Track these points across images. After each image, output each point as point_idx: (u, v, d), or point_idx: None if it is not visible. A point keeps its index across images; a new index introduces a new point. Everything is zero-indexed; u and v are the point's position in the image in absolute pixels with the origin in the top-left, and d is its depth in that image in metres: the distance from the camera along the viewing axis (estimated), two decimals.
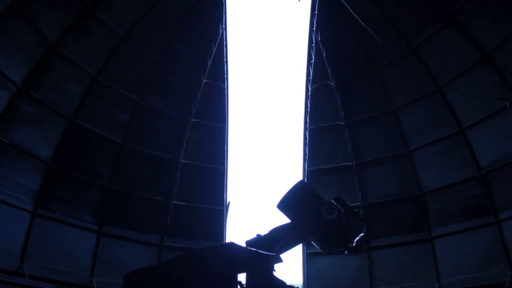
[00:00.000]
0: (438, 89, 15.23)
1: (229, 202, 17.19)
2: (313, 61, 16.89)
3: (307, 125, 17.33)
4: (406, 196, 15.98)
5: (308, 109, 17.31)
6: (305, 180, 16.98)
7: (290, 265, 16.44)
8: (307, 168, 17.25)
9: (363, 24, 15.09)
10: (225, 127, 17.30)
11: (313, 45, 16.65)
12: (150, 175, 16.26)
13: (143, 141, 16.09)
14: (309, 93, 17.21)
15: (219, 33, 16.25)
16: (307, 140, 17.35)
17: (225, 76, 17.03)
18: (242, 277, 5.29)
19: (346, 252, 6.14)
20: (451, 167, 15.25)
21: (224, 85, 17.10)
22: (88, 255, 14.25)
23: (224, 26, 16.30)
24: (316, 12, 16.06)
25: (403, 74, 15.98)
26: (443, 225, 15.15)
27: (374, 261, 15.92)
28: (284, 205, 6.30)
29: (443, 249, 15.09)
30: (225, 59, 16.85)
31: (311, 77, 17.10)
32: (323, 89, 17.11)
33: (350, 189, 16.65)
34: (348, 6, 15.19)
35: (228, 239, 16.75)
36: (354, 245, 6.12)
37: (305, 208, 6.21)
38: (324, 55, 16.63)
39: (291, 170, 29.45)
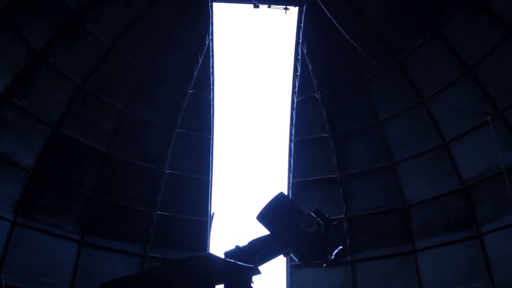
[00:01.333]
0: (422, 102, 15.38)
1: (213, 213, 17.14)
2: (299, 73, 16.96)
3: (292, 136, 17.36)
4: (390, 209, 16.03)
5: (294, 121, 17.35)
6: (290, 193, 17.04)
7: (274, 277, 16.38)
8: (292, 179, 17.24)
9: (348, 37, 15.20)
10: (210, 138, 17.27)
11: (299, 57, 16.74)
12: (134, 185, 16.15)
13: (128, 151, 15.99)
14: (295, 104, 17.25)
15: (206, 44, 16.27)
16: (292, 151, 17.36)
17: (211, 86, 17.02)
18: None
19: (324, 265, 6.13)
20: (435, 180, 15.37)
21: (210, 95, 17.09)
22: (69, 265, 14.08)
23: (210, 37, 16.32)
24: (302, 24, 16.15)
25: (389, 87, 16.11)
26: (427, 238, 15.23)
27: (358, 273, 15.88)
28: (264, 217, 6.29)
29: (426, 262, 15.15)
30: (211, 70, 16.84)
31: (296, 89, 17.15)
32: (308, 101, 17.16)
33: (335, 201, 16.68)
34: (333, 19, 15.30)
35: (212, 250, 16.68)
36: (332, 258, 6.11)
37: (284, 220, 6.19)
38: (310, 67, 16.70)
39: (276, 182, 29.42)
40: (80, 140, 15.00)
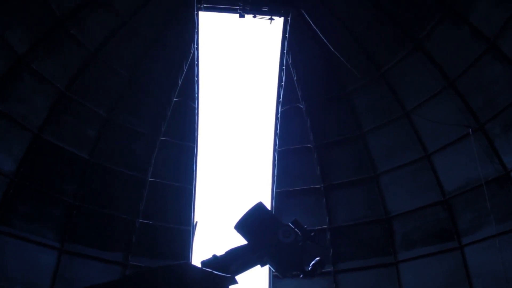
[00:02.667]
0: (405, 114, 15.51)
1: (196, 222, 17.02)
2: (283, 83, 17.01)
3: (276, 146, 17.36)
4: (373, 220, 16.10)
5: (278, 131, 17.37)
6: (273, 202, 17.04)
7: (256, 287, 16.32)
8: (276, 189, 17.22)
9: (332, 49, 15.32)
10: (194, 146, 17.18)
11: (284, 67, 16.79)
12: (117, 192, 16.01)
13: (110, 158, 15.85)
14: (279, 114, 17.30)
15: (191, 53, 16.25)
16: (276, 161, 17.36)
17: (196, 95, 16.97)
18: None
19: (301, 276, 6.10)
20: (417, 191, 15.47)
21: (195, 104, 17.02)
22: (48, 273, 13.87)
23: (196, 46, 16.31)
24: (287, 35, 16.22)
25: (372, 98, 16.23)
26: (408, 249, 15.31)
27: (340, 284, 15.90)
28: (241, 227, 6.25)
29: (407, 273, 15.22)
30: (196, 79, 16.80)
31: (281, 99, 17.20)
32: (293, 111, 17.20)
33: (318, 212, 16.69)
34: (317, 30, 15.42)
35: (194, 259, 16.58)
36: (309, 269, 6.10)
37: (262, 230, 6.16)
38: (295, 77, 16.76)
39: (259, 191, 29.41)
40: (62, 147, 14.84)
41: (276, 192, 17.22)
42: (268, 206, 16.65)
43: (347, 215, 16.46)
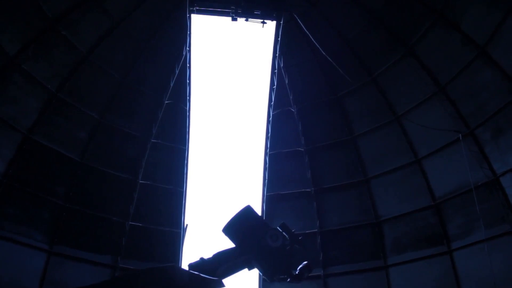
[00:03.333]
0: (396, 119, 15.58)
1: (187, 225, 16.98)
2: (275, 86, 17.03)
3: (268, 150, 17.37)
4: (363, 224, 16.14)
5: (269, 134, 17.38)
6: (264, 206, 17.04)
7: None
8: (266, 193, 17.23)
9: (324, 53, 15.37)
10: (185, 149, 17.16)
11: (276, 70, 16.81)
12: (107, 194, 15.95)
13: (101, 160, 15.81)
14: (271, 118, 17.31)
15: (183, 55, 16.24)
16: (267, 165, 17.37)
17: (187, 98, 16.96)
18: None
19: (288, 279, 6.10)
20: (407, 196, 15.54)
21: (186, 107, 17.01)
22: (36, 275, 13.79)
23: (188, 49, 16.31)
24: (279, 38, 16.25)
25: (364, 103, 16.29)
26: (398, 254, 15.37)
27: None
28: (229, 230, 6.25)
29: (397, 278, 15.27)
30: (188, 81, 16.81)
31: (273, 102, 17.21)
32: (284, 114, 17.24)
33: (309, 215, 16.72)
34: (309, 35, 15.46)
35: (184, 262, 16.52)
36: (297, 273, 6.10)
37: (250, 234, 6.16)
38: (286, 81, 16.81)
39: (250, 195, 29.43)
40: (53, 148, 14.79)
41: (267, 195, 17.23)
42: (259, 209, 16.66)
43: (337, 219, 16.48)
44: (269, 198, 17.21)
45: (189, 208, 17.34)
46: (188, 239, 16.86)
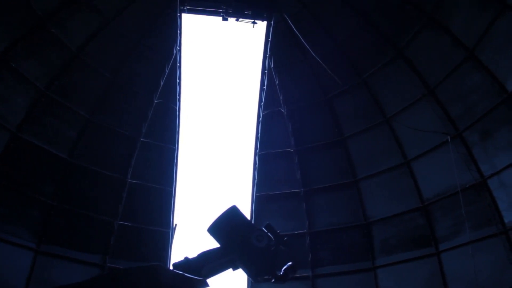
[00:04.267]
0: (386, 120, 15.64)
1: (176, 225, 16.92)
2: (265, 87, 17.04)
3: (257, 150, 17.37)
4: (352, 225, 16.19)
5: (259, 134, 17.40)
6: (253, 206, 17.04)
7: None
8: (256, 193, 17.24)
9: (313, 54, 15.39)
10: (175, 148, 17.12)
11: (266, 71, 16.83)
12: (96, 193, 15.87)
13: (90, 159, 15.72)
14: (261, 118, 17.32)
15: (173, 54, 16.20)
16: (257, 165, 17.37)
17: (177, 97, 16.92)
18: None
19: (273, 280, 6.10)
20: (396, 197, 15.60)
21: (176, 106, 16.97)
22: (22, 275, 13.67)
23: (178, 48, 16.28)
24: (270, 39, 16.26)
25: (354, 104, 16.32)
26: (387, 255, 15.43)
27: None
28: (214, 230, 6.25)
29: (385, 279, 15.33)
30: (178, 81, 16.77)
31: (263, 103, 17.22)
32: (274, 115, 17.26)
33: (298, 216, 16.74)
34: (299, 35, 15.48)
35: (173, 262, 16.42)
36: (281, 273, 6.11)
37: (235, 234, 6.16)
38: (277, 82, 16.82)
39: (240, 195, 29.44)
40: (42, 146, 14.68)
41: (256, 195, 17.23)
42: (248, 210, 16.55)
43: (326, 220, 16.52)
44: (259, 198, 17.22)
45: (179, 208, 17.29)
46: (177, 239, 16.85)
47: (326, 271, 16.09)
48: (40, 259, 14.22)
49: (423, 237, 14.82)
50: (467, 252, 13.30)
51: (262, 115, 17.30)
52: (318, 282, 16.08)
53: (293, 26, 15.46)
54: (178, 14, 15.79)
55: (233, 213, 6.41)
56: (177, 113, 17.06)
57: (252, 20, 15.70)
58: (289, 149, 17.16)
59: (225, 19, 15.65)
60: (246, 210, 17.05)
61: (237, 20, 15.68)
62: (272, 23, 15.93)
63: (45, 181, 14.94)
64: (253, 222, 16.60)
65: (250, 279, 16.05)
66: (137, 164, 16.56)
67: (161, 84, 16.45)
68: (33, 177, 14.70)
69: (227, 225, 6.26)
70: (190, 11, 15.97)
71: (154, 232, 16.49)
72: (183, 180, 21.00)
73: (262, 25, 16.25)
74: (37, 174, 14.83)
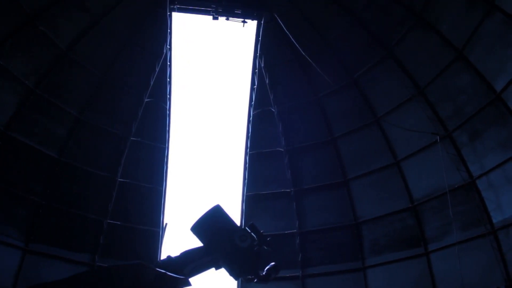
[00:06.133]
0: (376, 120, 15.66)
1: (166, 224, 16.87)
2: (256, 86, 17.01)
3: (248, 149, 17.35)
4: (342, 225, 16.21)
5: (250, 134, 17.36)
6: (243, 205, 17.02)
7: None
8: (246, 192, 17.22)
9: (303, 53, 15.38)
10: (165, 148, 17.08)
11: (257, 70, 16.79)
12: (85, 192, 15.81)
13: (80, 157, 15.65)
14: (251, 117, 17.29)
15: (163, 53, 16.15)
16: (247, 164, 17.35)
17: (168, 96, 16.88)
18: None
19: (255, 280, 6.09)
20: (386, 197, 15.63)
21: (166, 105, 16.93)
22: (10, 273, 13.61)
23: (168, 47, 16.23)
24: (260, 38, 16.24)
25: (344, 104, 16.35)
26: (376, 255, 15.46)
27: None
28: (197, 229, 6.23)
29: (375, 279, 15.36)
30: (168, 79, 16.74)
31: (253, 102, 17.20)
32: (265, 114, 17.25)
33: (288, 216, 16.75)
34: (289, 35, 15.45)
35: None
36: (264, 273, 6.10)
37: (218, 233, 6.15)
38: (267, 81, 16.80)
39: (230, 194, 29.40)
40: (30, 145, 14.61)
41: (246, 195, 17.20)
42: (238, 209, 16.46)
43: (317, 219, 16.51)
44: (249, 198, 17.20)
45: (169, 207, 17.25)
46: (167, 238, 16.80)
47: (316, 271, 16.10)
48: (28, 258, 14.17)
49: (412, 238, 14.86)
50: (456, 253, 13.34)
51: (253, 114, 17.27)
52: (308, 282, 16.08)
53: (283, 25, 15.44)
54: (168, 13, 15.75)
55: (216, 213, 6.39)
56: (168, 112, 17.03)
57: (242, 19, 15.71)
58: (280, 149, 17.14)
59: (215, 18, 15.64)
60: (236, 210, 17.09)
61: (227, 19, 15.66)
62: (262, 22, 15.93)
63: (34, 179, 14.87)
64: (243, 222, 16.62)
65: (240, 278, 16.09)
66: (127, 163, 16.50)
67: (151, 83, 16.39)
68: (22, 176, 14.62)
69: (211, 225, 6.24)
70: (180, 10, 15.92)
71: (144, 231, 16.44)
72: (174, 179, 20.93)
73: (252, 24, 16.27)
74: (26, 172, 14.76)
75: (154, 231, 16.63)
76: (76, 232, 15.43)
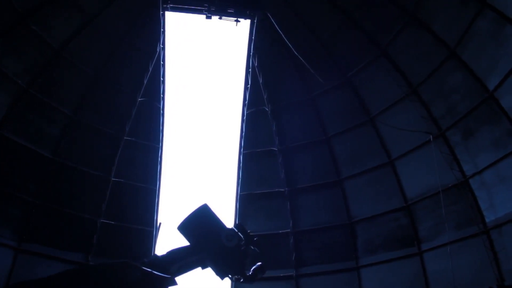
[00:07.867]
0: (370, 120, 15.65)
1: (160, 223, 16.84)
2: (249, 85, 16.98)
3: (242, 149, 17.32)
4: (337, 225, 16.21)
5: (243, 133, 17.32)
6: (237, 205, 17.00)
7: None
8: (240, 192, 17.20)
9: (296, 53, 15.37)
10: (159, 147, 17.05)
11: (250, 70, 16.75)
12: (79, 192, 15.78)
13: (74, 157, 15.63)
14: (245, 117, 17.26)
15: (157, 52, 16.10)
16: (241, 164, 17.32)
17: (161, 95, 16.84)
18: None
19: (242, 280, 6.07)
20: (380, 197, 15.63)
21: (160, 104, 16.88)
22: (2, 274, 13.56)
23: (162, 46, 16.17)
24: (253, 37, 16.20)
25: (338, 103, 16.33)
26: (370, 255, 15.47)
27: None
28: (184, 228, 6.20)
29: (369, 279, 15.37)
30: (161, 79, 16.68)
31: (247, 101, 17.17)
32: (258, 114, 17.23)
33: (282, 215, 16.75)
34: (282, 34, 15.44)
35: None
36: (250, 273, 6.08)
37: (205, 233, 6.13)
38: (261, 80, 16.76)
39: (224, 194, 29.37)
40: (23, 144, 14.56)
41: (240, 194, 17.18)
42: (232, 209, 16.36)
43: (311, 219, 16.51)
44: (243, 197, 17.19)
45: (163, 206, 17.21)
46: (161, 238, 16.77)
47: (310, 270, 16.11)
48: (21, 257, 14.12)
49: (406, 237, 14.87)
50: (449, 252, 13.35)
51: (246, 113, 17.24)
52: (302, 282, 16.09)
53: (276, 25, 15.41)
54: (161, 12, 15.70)
55: (204, 212, 6.36)
56: (161, 111, 16.99)
57: (235, 18, 15.67)
58: (273, 148, 17.13)
59: (208, 17, 15.59)
60: (230, 209, 17.08)
61: (220, 18, 15.62)
62: (255, 21, 15.87)
63: (27, 179, 14.83)
64: (237, 221, 16.59)
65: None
66: (121, 162, 16.47)
67: (145, 82, 16.37)
68: (15, 175, 14.59)
69: (197, 224, 6.21)
70: (173, 9, 15.87)
71: (138, 230, 16.43)
72: (168, 178, 20.88)
73: (246, 24, 16.23)
74: (19, 172, 14.73)
75: (148, 230, 16.62)
76: (69, 231, 15.38)
